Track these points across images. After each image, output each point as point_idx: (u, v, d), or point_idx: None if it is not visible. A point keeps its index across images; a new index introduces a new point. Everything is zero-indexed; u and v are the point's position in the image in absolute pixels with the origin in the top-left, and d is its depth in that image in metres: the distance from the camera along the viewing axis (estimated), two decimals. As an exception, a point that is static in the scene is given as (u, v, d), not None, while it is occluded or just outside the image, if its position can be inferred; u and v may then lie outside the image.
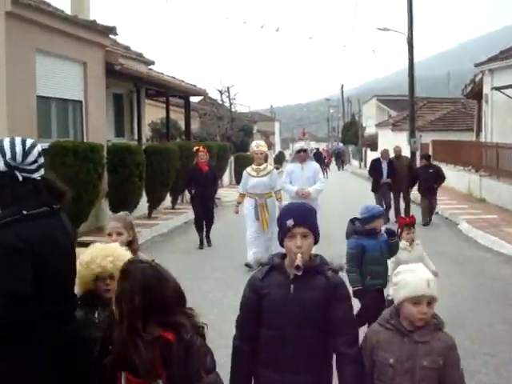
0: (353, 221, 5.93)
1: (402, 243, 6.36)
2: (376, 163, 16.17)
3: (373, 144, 50.45)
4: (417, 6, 25.78)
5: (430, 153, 29.44)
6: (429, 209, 15.24)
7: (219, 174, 26.13)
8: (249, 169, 10.70)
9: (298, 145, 11.14)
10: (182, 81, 21.05)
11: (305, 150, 11.16)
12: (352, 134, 63.66)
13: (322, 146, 74.05)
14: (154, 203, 16.22)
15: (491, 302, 7.98)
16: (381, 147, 45.63)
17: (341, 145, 68.70)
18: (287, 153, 78.39)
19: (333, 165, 53.97)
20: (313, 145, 68.31)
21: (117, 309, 2.72)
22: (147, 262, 2.88)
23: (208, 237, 12.61)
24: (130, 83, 18.04)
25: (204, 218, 12.49)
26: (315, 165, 11.23)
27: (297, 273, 2.97)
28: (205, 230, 12.55)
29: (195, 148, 13.24)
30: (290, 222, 3.01)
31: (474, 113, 32.60)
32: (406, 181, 15.59)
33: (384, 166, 15.73)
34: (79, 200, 11.74)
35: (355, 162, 58.19)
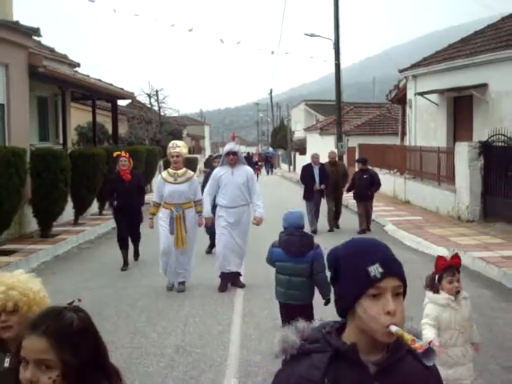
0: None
1: (443, 296, 4.45)
2: (307, 169, 14.99)
3: (301, 148, 51.08)
4: (343, 12, 26.18)
5: (357, 157, 30.14)
6: (365, 216, 14.63)
7: (147, 179, 25.75)
8: (164, 174, 9.14)
9: (228, 146, 9.13)
10: (110, 84, 20.67)
11: (235, 153, 9.04)
12: (281, 138, 64.27)
13: (253, 150, 74.40)
14: (80, 209, 15.84)
15: (418, 300, 8.13)
16: (309, 151, 46.30)
17: (270, 149, 69.17)
18: (217, 157, 78.21)
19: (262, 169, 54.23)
20: (243, 149, 68.44)
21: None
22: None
23: (137, 252, 11.34)
24: (55, 86, 17.56)
25: (129, 234, 10.95)
26: (248, 170, 9.28)
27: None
28: (133, 248, 11.19)
29: (115, 153, 11.26)
30: (375, 270, 1.78)
31: (398, 117, 33.49)
32: (340, 187, 15.17)
33: (316, 171, 14.71)
34: (1, 206, 11.34)
35: (284, 166, 58.67)
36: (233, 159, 9.01)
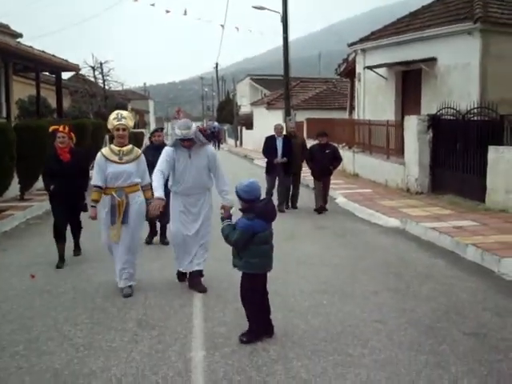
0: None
1: None
2: (270, 140, 13.93)
3: (248, 123, 50.99)
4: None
5: (305, 131, 30.28)
6: (323, 193, 13.74)
7: (93, 155, 25.24)
8: (105, 151, 7.36)
9: (178, 130, 7.09)
10: (53, 55, 20.02)
11: (190, 140, 7.15)
12: (227, 112, 63.92)
13: (197, 125, 73.67)
14: (26, 184, 15.37)
15: (374, 271, 8.24)
16: (256, 126, 46.38)
17: (215, 123, 68.51)
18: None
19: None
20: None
21: None
22: None
23: (77, 245, 9.62)
24: (-3, 57, 16.92)
25: (67, 224, 9.25)
26: (209, 149, 7.45)
27: None
28: (73, 239, 9.51)
29: (51, 128, 9.04)
30: None
31: (344, 92, 33.76)
32: (298, 162, 14.20)
33: (279, 143, 13.74)
34: None
35: (231, 141, 58.45)
36: (187, 145, 7.20)
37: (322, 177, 13.68)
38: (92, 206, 7.44)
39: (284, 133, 14.31)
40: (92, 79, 36.47)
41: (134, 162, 7.38)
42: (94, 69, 35.65)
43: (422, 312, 6.38)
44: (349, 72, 25.30)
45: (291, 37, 26.11)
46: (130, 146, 7.47)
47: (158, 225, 10.25)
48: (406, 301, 6.80)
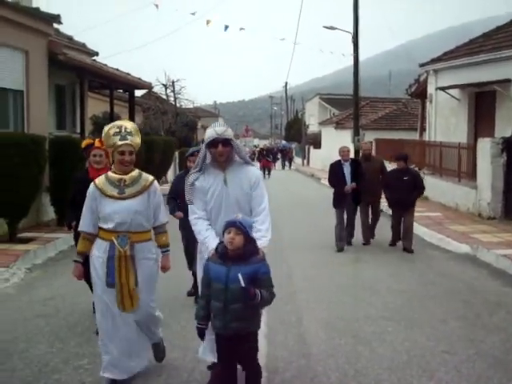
0: None
1: None
2: (336, 167, 11.71)
3: (316, 142, 50.89)
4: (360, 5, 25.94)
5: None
6: (404, 229, 11.56)
7: (163, 171, 25.44)
8: (100, 181, 5.13)
9: (211, 131, 4.92)
10: (127, 73, 20.56)
11: (226, 141, 4.90)
12: (295, 131, 64.09)
13: (265, 143, 74.22)
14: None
15: (442, 298, 7.99)
16: (324, 145, 46.25)
17: (283, 142, 68.86)
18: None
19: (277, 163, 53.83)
20: (256, 142, 67.93)
21: None
22: None
23: None
24: (73, 74, 17.47)
25: None
26: (253, 172, 5.13)
27: None
28: None
29: (84, 143, 7.19)
30: None
31: (415, 112, 33.26)
32: (376, 189, 12.12)
33: (346, 169, 11.54)
34: (19, 194, 11.27)
35: (298, 160, 58.45)
36: (223, 153, 4.90)
37: (401, 210, 11.56)
38: (75, 261, 5.24)
39: (352, 156, 12.73)
40: (164, 97, 37.23)
41: (141, 196, 5.08)
42: (165, 87, 36.40)
43: (491, 343, 6.13)
44: (420, 92, 24.90)
45: (361, 56, 25.98)
46: (136, 173, 5.14)
47: None
48: (475, 331, 6.55)
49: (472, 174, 16.30)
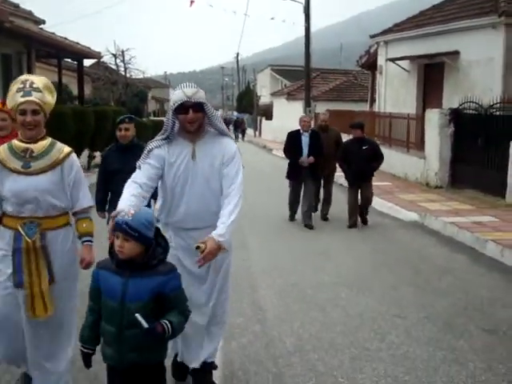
0: None
1: None
2: (294, 137, 10.94)
3: (268, 113, 50.90)
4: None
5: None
6: (363, 201, 10.97)
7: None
8: (2, 150, 3.99)
9: (181, 91, 3.95)
10: (77, 42, 20.12)
11: (199, 105, 3.96)
12: (247, 102, 63.84)
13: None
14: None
15: (393, 265, 8.20)
16: (276, 116, 46.31)
17: (235, 113, 68.54)
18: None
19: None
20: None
21: None
22: None
23: None
24: (20, 43, 17.00)
25: None
26: (229, 146, 4.17)
27: None
28: None
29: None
30: None
31: (365, 84, 33.58)
32: (332, 162, 11.45)
33: (305, 140, 10.75)
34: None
35: (250, 131, 58.43)
36: (194, 120, 3.98)
37: (359, 181, 10.82)
38: None
39: (312, 127, 11.96)
40: (113, 67, 36.58)
41: (54, 172, 3.96)
42: (115, 56, 35.78)
43: (440, 307, 6.34)
44: (370, 64, 25.10)
45: (313, 28, 26.04)
46: (47, 142, 4.02)
47: None
48: (425, 296, 6.76)
49: (420, 145, 16.62)
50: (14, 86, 3.93)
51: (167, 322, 3.10)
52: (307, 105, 26.11)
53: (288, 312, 6.13)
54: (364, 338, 5.44)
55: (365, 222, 11.07)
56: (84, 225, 4.14)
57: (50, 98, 4.00)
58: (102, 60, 31.50)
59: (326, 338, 5.41)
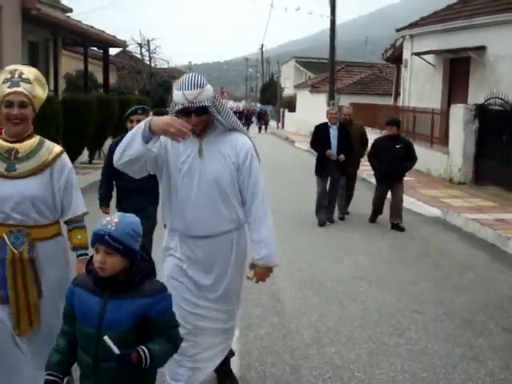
0: None
1: None
2: (322, 130, 10.47)
3: (291, 105, 50.77)
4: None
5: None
6: (393, 203, 10.41)
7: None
8: None
9: (180, 92, 3.41)
10: (102, 31, 20.22)
11: (202, 110, 3.47)
12: (270, 94, 63.78)
13: (240, 105, 73.83)
14: (70, 157, 15.55)
15: (413, 261, 8.17)
16: (299, 108, 46.15)
17: (258, 104, 68.48)
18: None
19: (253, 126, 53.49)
20: (231, 104, 67.41)
21: None
22: None
23: None
24: (47, 31, 17.14)
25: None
26: (244, 143, 3.70)
27: None
28: None
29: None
30: None
31: (390, 77, 33.32)
32: (356, 158, 10.97)
33: (333, 133, 10.31)
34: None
35: (273, 123, 58.38)
36: (198, 124, 3.55)
37: (389, 180, 10.39)
38: None
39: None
40: (138, 56, 36.72)
41: (42, 175, 3.53)
42: (140, 46, 35.87)
43: (460, 304, 6.31)
44: (395, 58, 24.93)
45: (338, 20, 25.87)
46: (35, 141, 3.58)
47: None
48: (445, 292, 6.73)
49: (444, 140, 16.49)
50: (1, 76, 3.49)
51: (145, 350, 2.52)
52: (331, 97, 25.96)
53: (306, 305, 6.15)
54: (382, 332, 5.43)
55: (399, 227, 10.13)
56: (79, 236, 3.67)
57: (41, 92, 3.56)
58: (127, 49, 31.61)
59: (344, 332, 5.41)
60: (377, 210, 10.71)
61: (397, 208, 10.31)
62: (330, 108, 10.61)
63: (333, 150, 10.25)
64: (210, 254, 3.70)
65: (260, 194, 3.70)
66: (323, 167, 10.36)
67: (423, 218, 11.47)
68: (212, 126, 3.64)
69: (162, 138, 3.43)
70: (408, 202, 12.80)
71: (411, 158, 10.36)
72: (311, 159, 13.63)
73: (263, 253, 3.72)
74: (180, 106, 3.42)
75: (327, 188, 10.56)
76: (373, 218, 10.76)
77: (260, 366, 4.69)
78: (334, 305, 6.16)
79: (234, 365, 4.49)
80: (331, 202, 10.66)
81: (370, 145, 11.02)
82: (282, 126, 53.77)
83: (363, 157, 11.32)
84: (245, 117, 43.45)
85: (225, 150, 3.62)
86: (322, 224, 10.43)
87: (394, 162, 10.09)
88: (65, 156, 3.63)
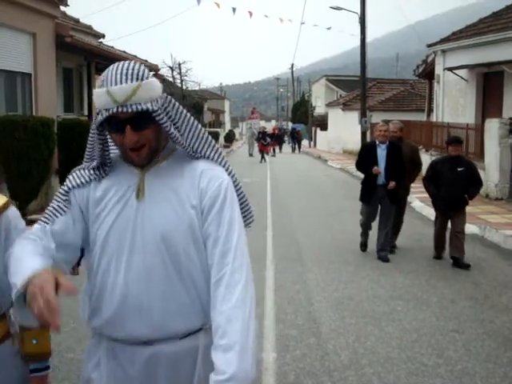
0: None
1: None
2: (369, 149, 9.19)
3: (322, 124, 50.78)
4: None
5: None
6: (452, 233, 8.79)
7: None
8: None
9: (103, 95, 1.94)
10: (134, 55, 20.54)
11: (143, 118, 1.96)
12: (301, 113, 63.96)
13: (271, 126, 74.07)
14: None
15: (451, 279, 8.03)
16: (331, 127, 46.10)
17: (290, 124, 68.63)
18: (237, 131, 78.31)
19: (285, 146, 53.51)
20: (262, 124, 68.00)
21: None
22: None
23: None
24: (80, 57, 17.45)
25: None
26: (213, 177, 2.08)
27: None
28: None
29: None
30: None
31: (422, 93, 33.12)
32: (406, 180, 9.43)
33: (381, 153, 8.91)
34: (29, 177, 11.34)
35: (305, 142, 58.43)
36: (136, 144, 2.00)
37: (451, 209, 8.81)
38: None
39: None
40: (170, 79, 37.20)
41: None
42: (172, 69, 36.40)
43: (500, 323, 6.17)
44: (428, 73, 24.78)
45: (368, 37, 25.88)
46: None
47: None
48: (485, 311, 6.59)
49: (480, 155, 16.27)
50: None
51: None
52: (363, 115, 25.89)
53: (343, 325, 6.08)
54: (421, 353, 5.33)
55: (461, 264, 8.58)
56: (33, 340, 2.32)
57: None
58: (159, 72, 32.06)
59: (382, 353, 5.33)
60: (438, 245, 9.17)
61: (458, 238, 8.69)
62: (380, 124, 9.16)
63: (381, 173, 8.90)
64: (154, 376, 2.09)
65: (234, 253, 2.01)
66: (369, 191, 9.07)
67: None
68: (165, 149, 2.16)
69: (78, 192, 2.13)
70: (444, 218, 12.65)
71: (476, 183, 8.78)
72: (344, 177, 13.60)
73: (232, 368, 1.84)
74: (104, 114, 1.97)
75: (375, 217, 9.27)
76: (438, 255, 9.19)
77: (297, 389, 4.64)
78: (371, 325, 6.08)
79: (272, 387, 4.46)
80: (385, 238, 9.15)
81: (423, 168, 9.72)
82: (314, 145, 53.75)
83: (414, 182, 9.88)
84: (276, 137, 43.16)
85: (182, 187, 2.08)
86: (364, 247, 9.66)
87: (455, 188, 8.60)
88: (12, 209, 2.33)
